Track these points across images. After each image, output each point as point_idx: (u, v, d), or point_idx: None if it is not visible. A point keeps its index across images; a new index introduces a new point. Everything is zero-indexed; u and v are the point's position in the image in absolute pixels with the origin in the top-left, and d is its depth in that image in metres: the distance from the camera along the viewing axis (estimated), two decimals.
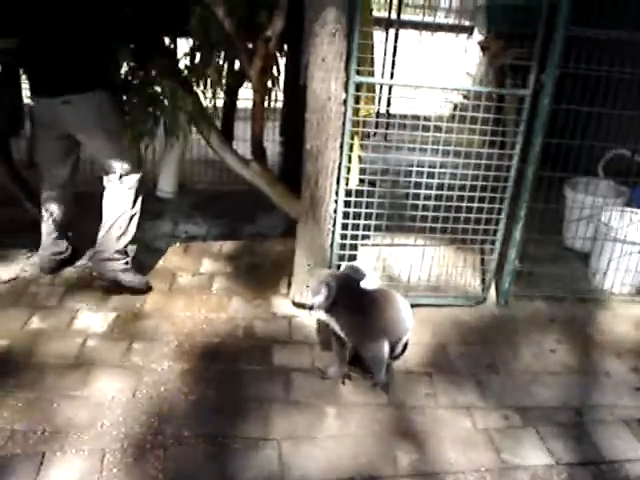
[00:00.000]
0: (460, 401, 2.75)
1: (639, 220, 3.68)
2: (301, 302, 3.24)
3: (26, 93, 4.89)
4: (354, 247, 3.33)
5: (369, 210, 3.21)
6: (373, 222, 3.24)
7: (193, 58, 3.27)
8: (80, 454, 2.28)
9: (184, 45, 3.35)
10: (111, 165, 3.15)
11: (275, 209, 3.71)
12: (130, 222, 3.28)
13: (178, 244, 3.95)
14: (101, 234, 3.28)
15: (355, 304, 2.72)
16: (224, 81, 3.47)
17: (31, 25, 2.94)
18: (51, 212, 3.33)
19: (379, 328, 2.74)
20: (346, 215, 3.20)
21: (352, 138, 3.08)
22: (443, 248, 3.56)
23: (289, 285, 3.39)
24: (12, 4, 2.93)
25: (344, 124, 2.97)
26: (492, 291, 3.55)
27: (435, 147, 3.16)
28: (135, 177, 3.25)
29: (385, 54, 5.90)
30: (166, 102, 3.20)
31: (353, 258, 3.34)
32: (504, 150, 3.32)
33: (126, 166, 3.18)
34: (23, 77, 4.61)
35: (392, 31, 6.06)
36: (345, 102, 2.93)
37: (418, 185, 3.20)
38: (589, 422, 2.69)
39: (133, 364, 2.79)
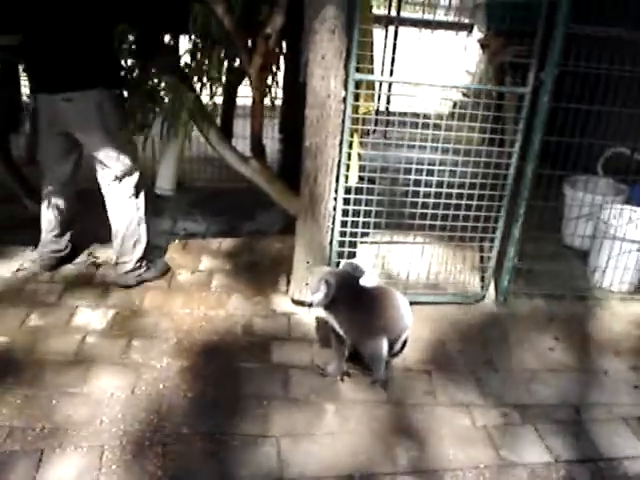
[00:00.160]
0: (459, 398, 2.75)
1: (638, 218, 3.68)
2: (300, 299, 3.24)
3: (25, 90, 4.91)
4: (353, 244, 3.33)
5: (368, 207, 3.21)
6: (372, 219, 3.24)
7: (194, 56, 3.26)
8: (79, 451, 2.28)
9: (184, 42, 3.35)
10: (108, 164, 3.15)
11: (274, 206, 3.71)
12: (140, 226, 3.31)
13: (177, 241, 3.95)
14: (116, 245, 3.31)
15: (354, 301, 2.72)
16: (224, 78, 3.47)
17: (34, 22, 2.93)
18: (52, 209, 3.33)
19: (378, 325, 2.74)
20: (345, 212, 3.20)
21: (351, 135, 3.08)
22: (442, 246, 3.56)
23: (288, 282, 3.39)
24: (15, 1, 2.92)
25: (343, 121, 2.97)
26: (491, 289, 3.55)
27: (435, 145, 3.16)
28: (133, 180, 3.25)
29: (385, 51, 5.90)
30: (166, 99, 3.20)
31: (352, 255, 3.34)
32: (503, 148, 3.32)
33: (123, 166, 3.18)
34: (22, 74, 4.63)
35: (392, 28, 6.05)
36: (344, 99, 2.93)
37: (417, 183, 3.20)
38: (588, 420, 2.69)
39: (132, 361, 2.79)
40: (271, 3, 2.97)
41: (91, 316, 3.10)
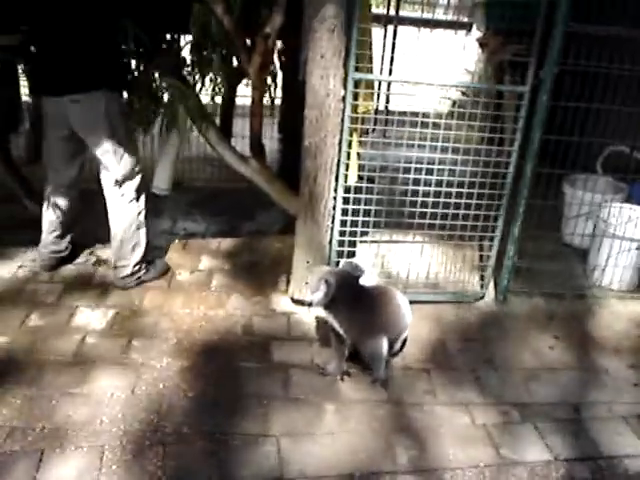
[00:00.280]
0: (459, 397, 2.75)
1: (637, 216, 3.68)
2: (300, 299, 3.24)
3: (25, 90, 4.90)
4: (353, 244, 3.33)
5: (368, 207, 3.21)
6: (372, 219, 3.24)
7: (194, 55, 3.27)
8: (79, 451, 2.28)
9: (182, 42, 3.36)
10: (110, 167, 3.15)
11: (274, 206, 3.71)
12: (139, 230, 3.31)
13: (177, 241, 3.94)
14: (115, 247, 3.30)
15: (354, 301, 2.72)
16: (223, 78, 3.47)
17: (40, 24, 2.93)
18: (54, 210, 3.33)
19: (378, 325, 2.74)
20: (345, 212, 3.20)
21: (351, 135, 3.08)
22: (442, 245, 3.56)
23: (288, 282, 3.39)
24: (20, 2, 2.91)
25: (343, 121, 2.97)
26: (491, 287, 3.55)
27: (434, 144, 3.16)
28: (134, 184, 3.24)
29: (384, 51, 5.90)
30: (166, 98, 3.21)
31: (352, 255, 3.34)
32: (503, 147, 3.32)
33: (124, 170, 3.18)
34: (21, 74, 4.62)
35: (391, 27, 6.04)
36: (344, 98, 2.93)
37: (417, 182, 3.20)
38: (587, 418, 2.70)
39: (132, 361, 2.79)
40: (270, 3, 2.97)
41: (91, 316, 3.09)
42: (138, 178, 3.26)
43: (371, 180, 3.32)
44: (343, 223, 3.22)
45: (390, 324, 2.80)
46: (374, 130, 4.49)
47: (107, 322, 3.06)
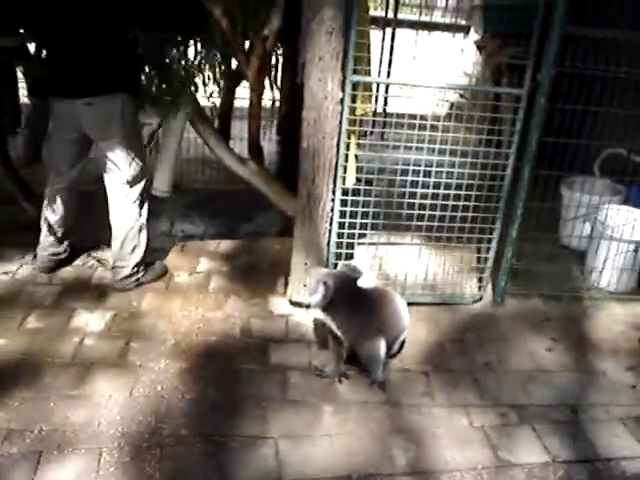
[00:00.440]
0: (457, 399, 2.76)
1: (635, 219, 3.69)
2: (298, 301, 3.24)
3: (23, 92, 4.91)
4: (351, 246, 3.33)
5: (366, 209, 3.21)
6: (370, 221, 3.24)
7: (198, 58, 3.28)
8: (77, 453, 2.28)
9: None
10: (121, 167, 3.15)
11: (272, 208, 3.71)
12: (140, 232, 3.31)
13: (175, 243, 3.94)
14: (115, 248, 3.31)
15: (352, 303, 2.73)
16: (222, 80, 3.48)
17: (55, 27, 2.93)
18: (53, 212, 3.32)
19: (376, 327, 2.74)
20: (343, 214, 3.20)
21: (349, 137, 3.08)
22: (440, 247, 3.56)
23: (286, 284, 3.39)
24: (33, 5, 2.92)
25: (341, 123, 2.98)
26: (489, 289, 3.56)
27: (432, 146, 3.16)
28: (140, 186, 3.25)
29: (382, 53, 5.91)
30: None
31: (350, 257, 3.34)
32: (500, 149, 3.32)
33: (134, 171, 3.18)
34: (20, 76, 4.63)
35: (389, 30, 6.05)
36: (342, 101, 2.93)
37: (415, 184, 3.21)
38: (585, 420, 2.70)
39: (130, 363, 2.79)
40: (268, 5, 2.97)
41: (89, 318, 3.09)
42: (144, 182, 3.28)
43: (369, 182, 3.32)
44: (341, 225, 3.23)
45: (388, 326, 2.80)
46: (372, 132, 4.50)
47: (105, 324, 3.06)
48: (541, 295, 3.59)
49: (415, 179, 3.19)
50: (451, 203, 3.23)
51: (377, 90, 3.46)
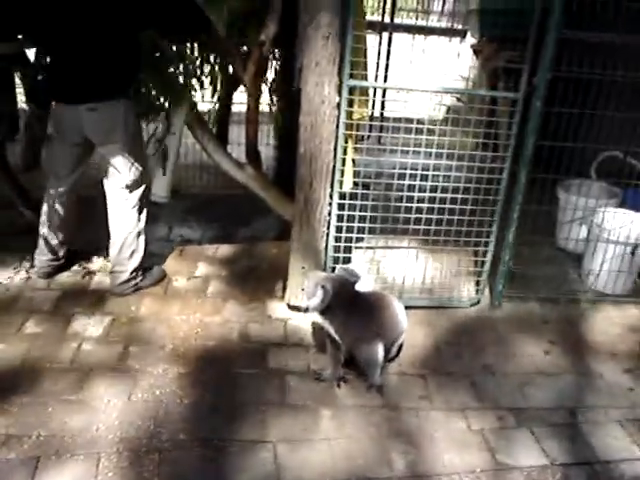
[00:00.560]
0: (454, 402, 2.76)
1: (631, 221, 3.70)
2: (296, 305, 3.25)
3: (21, 98, 4.92)
4: (348, 250, 3.34)
5: (363, 213, 3.22)
6: (367, 225, 3.25)
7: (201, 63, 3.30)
8: (75, 458, 2.28)
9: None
10: (122, 171, 3.16)
11: (270, 212, 3.72)
12: (139, 237, 3.32)
13: (173, 248, 3.94)
14: (113, 253, 3.31)
15: (350, 307, 2.73)
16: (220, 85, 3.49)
17: (60, 32, 2.94)
18: (51, 217, 3.32)
19: (373, 331, 2.75)
20: (340, 218, 3.21)
21: (346, 141, 3.10)
22: (437, 250, 3.57)
23: (284, 288, 3.39)
24: (38, 10, 2.93)
25: (338, 127, 2.99)
26: (486, 293, 3.56)
27: (429, 150, 3.17)
28: (139, 191, 3.26)
29: (379, 57, 5.92)
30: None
31: (347, 261, 3.35)
32: (497, 152, 3.34)
33: (135, 176, 3.19)
34: (18, 82, 4.64)
35: (385, 35, 6.06)
36: (339, 105, 2.94)
37: (412, 188, 3.21)
38: (583, 423, 2.70)
39: (128, 368, 2.79)
40: (265, 10, 2.98)
41: (87, 323, 3.09)
42: (144, 187, 3.29)
43: (366, 186, 3.33)
44: (338, 229, 3.23)
45: (386, 330, 2.81)
46: (369, 137, 4.51)
47: (104, 329, 3.06)
48: (538, 298, 3.59)
49: (412, 183, 3.20)
50: (448, 206, 3.24)
51: (374, 94, 3.47)
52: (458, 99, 4.86)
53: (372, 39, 5.40)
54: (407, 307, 3.00)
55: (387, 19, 6.11)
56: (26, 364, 2.76)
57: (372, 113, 5.22)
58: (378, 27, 5.95)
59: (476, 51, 5.93)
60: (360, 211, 3.21)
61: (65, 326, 3.06)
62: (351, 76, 2.93)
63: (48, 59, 3.23)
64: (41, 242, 3.39)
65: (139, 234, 3.31)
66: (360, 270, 2.87)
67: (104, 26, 2.89)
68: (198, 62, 3.43)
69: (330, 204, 3.14)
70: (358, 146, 3.33)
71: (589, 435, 2.63)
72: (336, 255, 3.29)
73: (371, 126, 5.03)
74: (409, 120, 3.22)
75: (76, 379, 2.69)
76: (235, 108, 4.47)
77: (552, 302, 3.58)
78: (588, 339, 3.31)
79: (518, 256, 3.51)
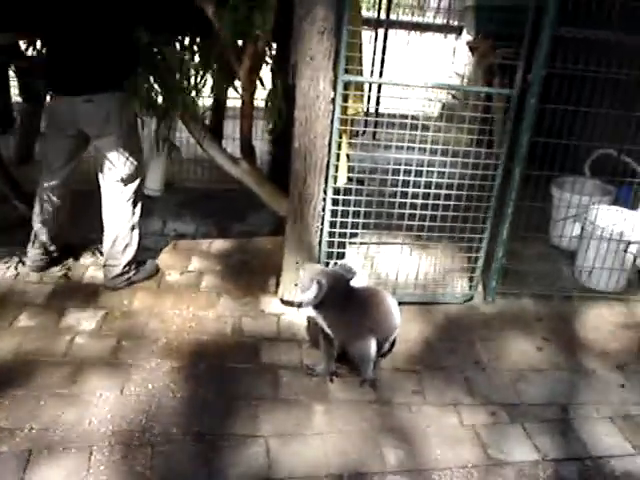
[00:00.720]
0: (447, 398, 2.77)
1: (625, 219, 3.71)
2: (289, 300, 3.25)
3: (15, 91, 4.90)
4: (342, 245, 3.34)
5: (357, 208, 3.22)
6: (361, 220, 3.25)
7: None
8: (67, 452, 2.28)
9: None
10: (117, 165, 3.15)
11: (264, 207, 3.71)
12: (133, 231, 3.31)
13: (167, 242, 3.94)
14: (106, 247, 3.30)
15: (344, 302, 2.73)
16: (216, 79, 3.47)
17: (57, 24, 2.94)
18: (44, 211, 3.32)
19: (366, 326, 2.75)
20: (334, 213, 3.21)
21: (340, 136, 3.09)
22: (431, 246, 3.58)
23: (278, 283, 3.39)
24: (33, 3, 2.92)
25: (332, 122, 2.98)
26: (479, 289, 3.57)
27: (423, 146, 3.18)
28: (134, 185, 3.25)
29: (374, 53, 5.92)
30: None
31: (341, 256, 3.35)
32: (491, 149, 3.34)
33: (130, 170, 3.18)
34: (12, 75, 4.62)
35: (381, 31, 6.06)
36: (333, 100, 2.94)
37: (406, 184, 3.22)
38: (575, 419, 2.71)
39: (121, 362, 2.79)
40: (260, 4, 2.97)
41: (80, 317, 3.09)
42: (138, 180, 3.28)
43: (361, 182, 3.33)
44: (332, 224, 3.23)
45: (379, 325, 2.81)
46: (364, 132, 4.51)
47: (96, 323, 3.05)
48: (531, 295, 3.61)
49: (406, 179, 3.20)
50: (442, 203, 3.25)
51: (369, 90, 3.47)
52: (453, 96, 4.87)
53: (367, 35, 5.39)
54: (401, 303, 3.00)
55: (383, 15, 6.11)
56: (19, 358, 2.76)
57: (367, 108, 5.22)
58: (374, 23, 5.94)
59: (472, 48, 5.93)
60: (354, 207, 3.21)
61: (58, 320, 3.05)
62: (346, 71, 2.93)
63: (45, 51, 3.22)
64: (34, 236, 3.38)
65: (133, 228, 3.30)
66: (355, 266, 2.88)
67: (100, 18, 2.88)
68: (196, 57, 3.41)
69: (324, 199, 3.14)
70: (353, 141, 3.33)
71: (580, 431, 2.64)
72: (330, 250, 3.29)
73: (366, 122, 5.03)
74: (404, 116, 3.22)
75: (69, 373, 2.68)
76: (230, 102, 4.46)
77: (545, 299, 3.59)
78: (580, 336, 3.33)
79: (512, 253, 3.52)
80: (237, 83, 3.30)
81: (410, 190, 3.22)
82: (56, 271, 3.47)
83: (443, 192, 3.24)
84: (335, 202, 3.19)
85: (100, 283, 3.38)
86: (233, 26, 2.91)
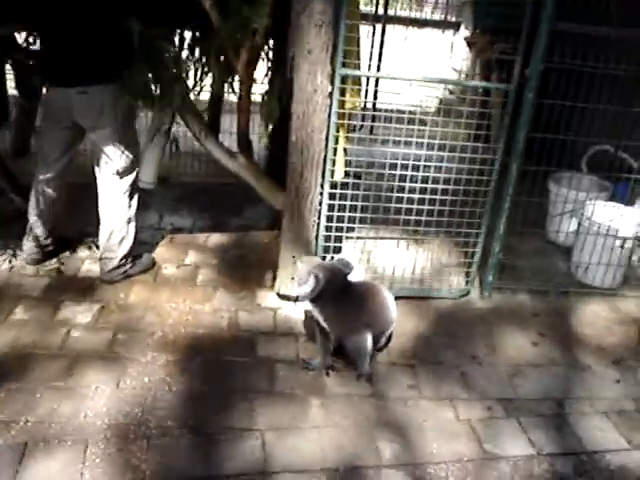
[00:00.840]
0: (443, 392, 2.77)
1: (621, 215, 3.72)
2: (286, 294, 3.25)
3: (11, 84, 4.88)
4: (339, 239, 3.34)
5: (354, 203, 3.22)
6: (358, 215, 3.25)
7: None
8: (63, 445, 2.28)
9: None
10: (113, 158, 3.14)
11: (261, 201, 3.71)
12: (129, 224, 3.31)
13: (163, 236, 3.93)
14: (103, 240, 3.30)
15: (340, 296, 2.73)
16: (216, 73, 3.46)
17: (51, 15, 2.92)
18: (41, 204, 3.30)
19: (363, 320, 2.75)
20: (331, 208, 3.21)
21: (338, 131, 3.09)
22: (428, 241, 3.58)
23: (274, 277, 3.39)
24: None
25: (330, 116, 2.98)
26: (476, 284, 3.58)
27: (421, 140, 3.17)
28: (131, 177, 3.24)
29: (372, 48, 5.91)
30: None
31: (338, 250, 3.35)
32: (489, 144, 3.34)
33: (126, 162, 3.18)
34: (8, 68, 4.60)
35: (379, 26, 6.05)
36: (331, 94, 2.93)
37: (403, 178, 3.21)
38: (570, 413, 2.72)
39: (117, 355, 2.79)
40: None
41: (76, 310, 3.08)
42: (135, 173, 3.27)
43: (358, 176, 3.33)
44: (329, 219, 3.23)
45: (375, 320, 2.81)
46: (361, 126, 4.50)
47: (92, 316, 3.05)
48: (528, 290, 3.61)
49: (404, 173, 3.20)
50: (439, 198, 3.25)
51: (367, 84, 3.47)
52: (450, 92, 4.86)
53: (365, 30, 5.39)
54: (397, 297, 3.00)
55: (381, 11, 6.09)
56: (14, 351, 2.75)
57: (365, 103, 5.21)
58: (371, 19, 5.93)
59: (469, 43, 5.92)
60: (351, 201, 3.21)
61: (54, 313, 3.04)
62: (344, 65, 2.92)
63: (40, 42, 3.21)
64: (29, 228, 3.37)
65: (129, 220, 3.30)
66: (352, 261, 2.88)
67: (96, 10, 2.87)
68: (193, 51, 3.40)
69: (321, 194, 3.14)
70: (350, 136, 3.33)
71: (576, 426, 2.65)
72: (327, 245, 3.29)
73: (363, 116, 5.02)
74: (401, 111, 3.21)
75: (65, 366, 2.68)
76: (227, 97, 4.45)
77: (541, 294, 3.60)
78: (577, 331, 3.33)
79: (508, 248, 3.53)
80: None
81: (407, 185, 3.22)
82: (52, 264, 3.46)
83: (440, 187, 3.24)
84: (332, 196, 3.18)
85: (96, 276, 3.37)
86: (230, 19, 2.90)
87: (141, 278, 3.41)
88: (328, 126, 2.99)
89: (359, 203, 3.22)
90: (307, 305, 2.79)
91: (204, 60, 3.35)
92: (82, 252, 3.61)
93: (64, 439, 2.30)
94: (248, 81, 3.26)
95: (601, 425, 2.67)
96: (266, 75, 3.44)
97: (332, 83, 2.91)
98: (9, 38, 3.88)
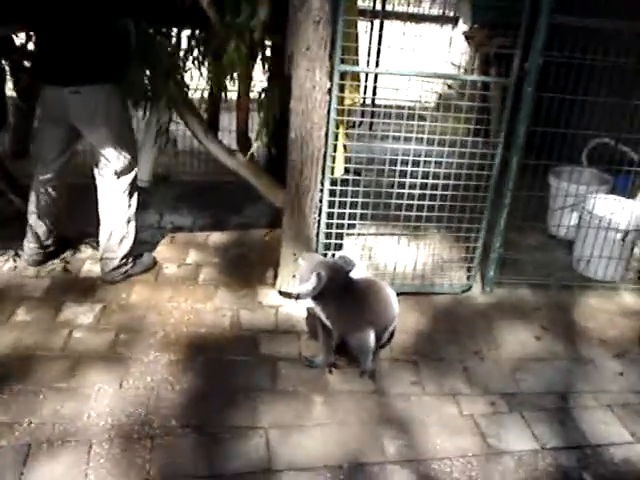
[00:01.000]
0: (446, 388, 2.77)
1: (622, 208, 3.71)
2: (287, 292, 3.25)
3: (9, 85, 4.87)
4: (340, 236, 3.34)
5: (355, 199, 3.21)
6: (359, 211, 3.25)
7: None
8: (67, 445, 2.28)
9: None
10: (110, 159, 3.14)
11: (261, 199, 3.71)
12: (129, 224, 3.30)
13: (164, 235, 3.93)
14: (103, 240, 3.29)
15: (342, 293, 2.72)
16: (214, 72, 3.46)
17: (46, 14, 2.92)
18: (40, 204, 3.30)
19: (365, 317, 2.74)
20: (331, 204, 3.20)
21: (337, 127, 3.08)
22: (428, 236, 3.57)
23: (275, 275, 3.39)
24: None
25: (329, 113, 2.97)
26: (477, 279, 3.57)
27: (420, 136, 3.17)
28: (130, 177, 3.24)
29: (370, 43, 5.89)
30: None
31: (339, 247, 3.35)
32: (489, 139, 3.33)
33: (124, 163, 3.17)
34: (7, 69, 4.59)
35: (377, 22, 6.03)
36: (330, 91, 2.93)
37: (403, 174, 3.21)
38: (574, 407, 2.72)
39: (120, 355, 2.79)
40: None
41: (78, 311, 3.08)
42: (134, 173, 3.27)
43: (358, 173, 3.32)
44: (330, 215, 3.23)
45: (377, 316, 2.80)
46: (361, 123, 4.49)
47: (94, 316, 3.04)
48: (529, 284, 3.61)
49: (404, 169, 3.19)
50: (439, 193, 3.24)
51: (366, 80, 3.46)
52: (449, 86, 4.85)
53: (363, 26, 5.37)
54: (399, 293, 3.00)
55: (379, 6, 6.07)
56: (17, 352, 2.75)
57: (364, 99, 5.20)
58: (369, 14, 5.91)
59: (468, 38, 5.92)
60: (351, 197, 3.20)
61: (55, 314, 3.04)
62: (342, 61, 2.91)
63: (34, 41, 3.21)
64: (29, 230, 3.37)
65: (129, 220, 3.29)
66: (354, 258, 2.87)
67: (91, 9, 2.86)
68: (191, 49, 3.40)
69: (321, 190, 3.13)
70: (349, 132, 3.32)
71: (579, 419, 2.65)
72: (327, 242, 3.29)
73: (363, 112, 5.02)
74: (400, 106, 3.21)
75: (67, 367, 2.68)
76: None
77: (543, 288, 3.60)
78: (579, 325, 3.33)
79: (509, 242, 3.52)
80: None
81: (407, 181, 3.21)
82: (53, 265, 3.46)
83: (440, 182, 3.24)
84: (332, 193, 3.18)
85: (97, 276, 3.37)
86: (228, 17, 2.90)
87: (142, 278, 3.41)
88: (327, 123, 2.98)
89: (359, 199, 3.21)
90: (309, 303, 2.79)
91: (202, 58, 3.35)
92: (83, 252, 3.60)
93: (68, 440, 2.30)
94: (247, 79, 3.25)
95: (605, 418, 2.67)
96: (265, 73, 3.44)
97: (331, 79, 2.91)
98: (6, 39, 3.87)
